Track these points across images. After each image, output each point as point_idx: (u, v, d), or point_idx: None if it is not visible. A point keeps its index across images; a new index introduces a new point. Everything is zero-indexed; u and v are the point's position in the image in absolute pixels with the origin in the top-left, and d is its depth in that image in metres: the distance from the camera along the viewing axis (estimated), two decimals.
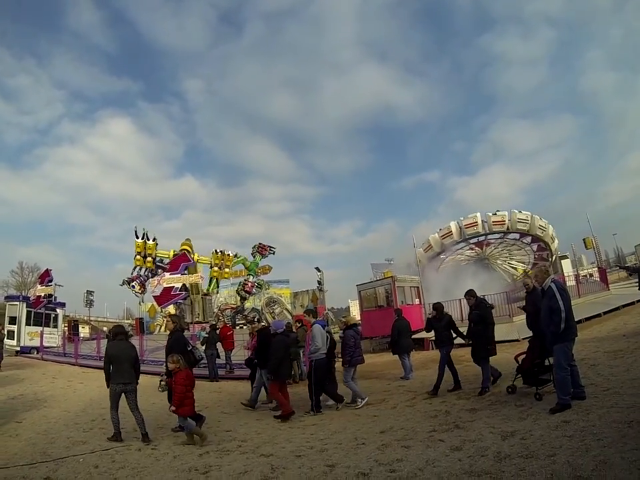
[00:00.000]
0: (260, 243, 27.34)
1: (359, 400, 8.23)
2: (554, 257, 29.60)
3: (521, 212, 28.09)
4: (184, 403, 6.18)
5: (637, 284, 10.88)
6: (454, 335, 8.93)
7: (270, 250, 27.29)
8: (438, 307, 9.15)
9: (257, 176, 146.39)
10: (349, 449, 5.28)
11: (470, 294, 8.35)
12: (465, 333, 8.65)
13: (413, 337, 13.50)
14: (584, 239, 31.51)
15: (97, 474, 4.81)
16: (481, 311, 8.00)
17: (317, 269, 27.51)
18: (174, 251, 25.00)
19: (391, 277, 20.94)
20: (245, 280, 26.47)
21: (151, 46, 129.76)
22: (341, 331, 9.17)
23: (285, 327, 9.01)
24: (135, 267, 26.93)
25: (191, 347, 7.23)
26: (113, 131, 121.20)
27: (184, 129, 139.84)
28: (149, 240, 26.78)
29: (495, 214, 28.17)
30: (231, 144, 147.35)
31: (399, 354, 11.10)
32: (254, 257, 27.14)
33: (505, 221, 28.13)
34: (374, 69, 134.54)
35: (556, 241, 28.86)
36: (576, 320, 13.30)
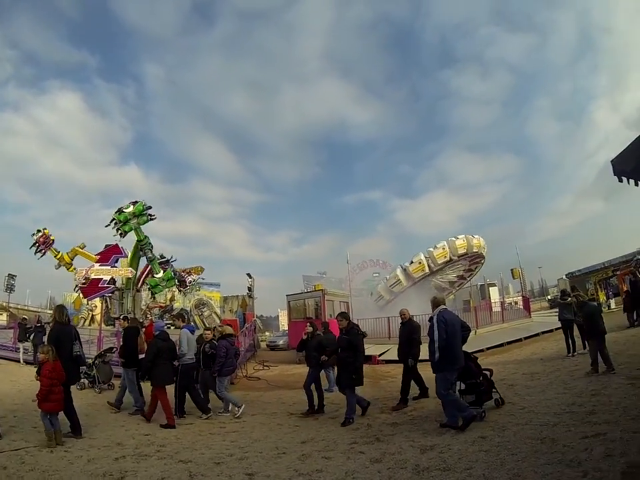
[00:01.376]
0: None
1: (236, 409, 8.22)
2: (481, 266, 30.99)
3: (457, 238, 29.23)
4: (49, 398, 5.82)
5: (557, 314, 11.51)
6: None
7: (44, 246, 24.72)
8: (312, 324, 9.34)
9: (202, 175, 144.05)
10: (270, 458, 5.24)
11: (342, 316, 7.94)
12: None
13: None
14: (512, 269, 33.19)
15: (5, 476, 4.52)
16: (350, 336, 7.44)
17: (249, 275, 27.20)
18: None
19: (321, 290, 21.13)
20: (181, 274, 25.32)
21: (118, 21, 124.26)
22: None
23: (162, 328, 8.55)
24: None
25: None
26: (62, 104, 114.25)
27: (136, 115, 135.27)
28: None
29: (436, 247, 29.11)
30: (181, 138, 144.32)
31: (324, 367, 11.13)
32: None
33: (446, 251, 29.21)
34: (335, 84, 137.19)
35: (486, 249, 30.29)
36: (499, 343, 14.03)
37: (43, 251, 23.07)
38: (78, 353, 6.51)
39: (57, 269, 24.11)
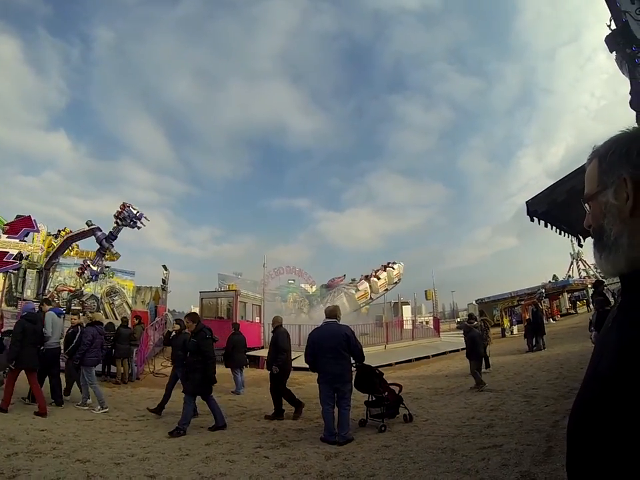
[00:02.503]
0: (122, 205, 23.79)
1: (99, 407, 7.86)
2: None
3: (393, 267, 30.95)
4: None
5: (462, 335, 12.13)
6: None
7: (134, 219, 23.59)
8: (179, 322, 9.00)
9: (133, 156, 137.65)
10: (172, 460, 5.08)
11: (190, 317, 7.63)
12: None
13: (249, 353, 13.51)
14: (426, 291, 34.46)
15: None
16: (198, 340, 7.08)
17: (164, 267, 26.22)
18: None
19: (235, 290, 20.94)
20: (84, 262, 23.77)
21: None
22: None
23: (33, 310, 8.00)
24: None
25: None
26: None
27: (76, 79, 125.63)
28: None
29: (379, 278, 30.40)
30: (119, 114, 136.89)
31: (232, 368, 11.03)
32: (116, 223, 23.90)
33: (385, 281, 30.56)
34: (284, 88, 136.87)
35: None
36: (407, 359, 14.50)
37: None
38: None
39: None
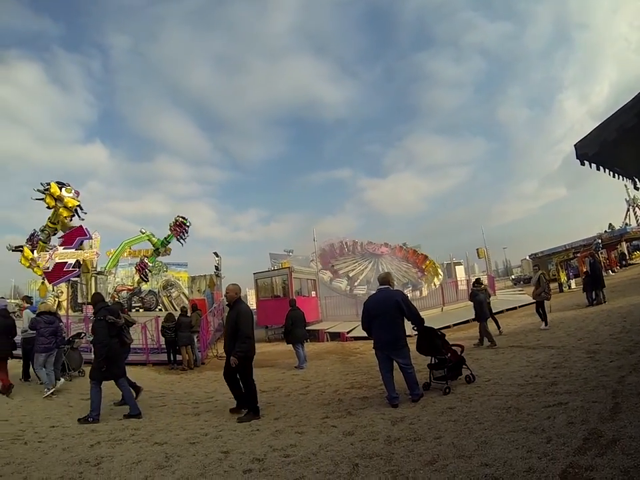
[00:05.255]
0: (178, 218, 24.87)
1: (46, 389, 8.32)
2: None
3: None
4: None
5: (519, 293, 11.95)
6: None
7: (184, 232, 24.97)
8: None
9: (171, 152, 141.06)
10: (244, 436, 5.25)
11: (95, 297, 7.44)
12: None
13: (308, 328, 13.76)
14: (477, 249, 33.74)
15: None
16: (94, 322, 6.82)
17: (215, 254, 26.93)
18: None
19: (288, 267, 21.19)
20: (141, 259, 24.92)
21: None
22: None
23: (5, 307, 9.29)
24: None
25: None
26: (20, 77, 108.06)
27: (102, 90, 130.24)
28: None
29: None
30: (150, 115, 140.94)
31: (293, 344, 11.26)
32: (170, 231, 25.04)
33: None
34: (308, 62, 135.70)
35: None
36: (465, 320, 14.38)
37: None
38: None
39: (10, 250, 23.19)
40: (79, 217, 20.91)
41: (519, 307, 18.06)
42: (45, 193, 20.61)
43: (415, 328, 6.62)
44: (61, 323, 9.50)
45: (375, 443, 4.34)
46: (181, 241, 24.13)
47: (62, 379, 8.99)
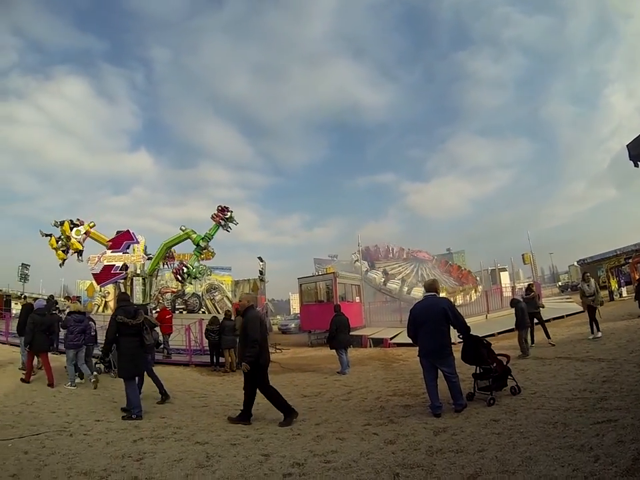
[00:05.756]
0: (220, 207, 25.32)
1: (69, 383, 8.86)
2: None
3: None
4: None
5: (567, 300, 11.59)
6: None
7: (227, 216, 25.14)
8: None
9: (213, 159, 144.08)
10: (285, 439, 5.28)
11: (119, 297, 8.13)
12: None
13: (351, 333, 13.72)
14: (523, 254, 32.75)
15: (26, 460, 4.57)
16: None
17: (260, 258, 27.30)
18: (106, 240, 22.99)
19: (333, 273, 21.22)
20: (179, 264, 25.49)
21: (123, 4, 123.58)
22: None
23: (44, 306, 9.73)
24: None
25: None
26: (69, 91, 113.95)
27: (146, 100, 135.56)
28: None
29: None
30: (192, 123, 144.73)
31: (337, 349, 11.24)
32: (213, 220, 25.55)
33: None
34: (347, 66, 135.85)
35: None
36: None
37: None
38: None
39: (42, 235, 24.37)
40: (79, 259, 22.09)
41: (567, 315, 17.33)
42: (57, 227, 22.29)
43: (461, 336, 6.49)
44: (91, 322, 10.03)
45: (416, 452, 4.28)
46: (226, 228, 24.42)
47: (95, 372, 9.48)
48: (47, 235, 23.89)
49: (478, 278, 32.36)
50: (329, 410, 6.97)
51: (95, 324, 10.38)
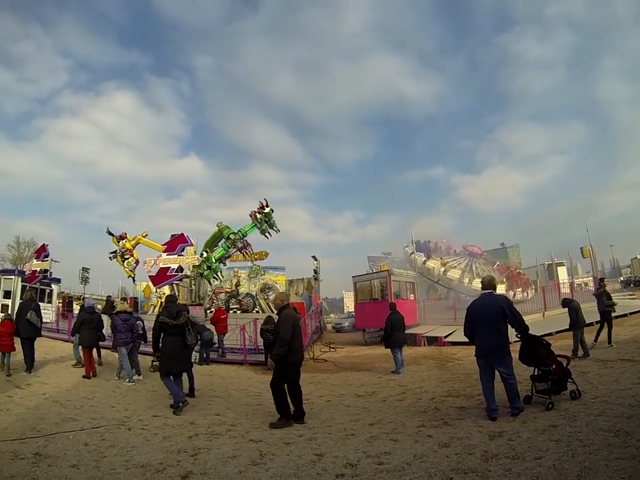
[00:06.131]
0: (260, 202, 25.26)
1: (127, 379, 9.40)
2: None
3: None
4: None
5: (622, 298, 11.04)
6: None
7: (265, 211, 25.80)
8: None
9: (263, 160, 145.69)
10: (338, 439, 5.29)
11: (166, 299, 8.76)
12: None
13: (406, 332, 13.62)
14: (581, 248, 31.16)
15: (87, 452, 4.80)
16: None
17: (314, 257, 27.48)
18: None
19: (387, 270, 21.04)
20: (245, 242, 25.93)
21: (162, 18, 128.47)
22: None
23: (93, 305, 10.71)
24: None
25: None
26: (118, 104, 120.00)
27: (193, 107, 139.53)
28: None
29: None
30: (239, 126, 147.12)
31: (392, 348, 11.19)
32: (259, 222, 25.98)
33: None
34: (389, 58, 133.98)
35: None
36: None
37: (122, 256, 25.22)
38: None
39: (110, 259, 25.87)
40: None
41: (630, 314, 16.35)
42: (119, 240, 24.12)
43: (519, 335, 6.27)
44: (139, 322, 10.65)
45: (471, 457, 4.21)
46: (265, 231, 24.82)
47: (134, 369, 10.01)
48: (111, 234, 25.41)
49: (534, 273, 31.02)
50: (382, 410, 6.96)
51: (142, 323, 11.00)
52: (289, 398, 6.44)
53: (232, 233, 24.95)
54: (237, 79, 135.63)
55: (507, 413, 5.71)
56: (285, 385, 6.45)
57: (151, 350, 7.90)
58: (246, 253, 25.16)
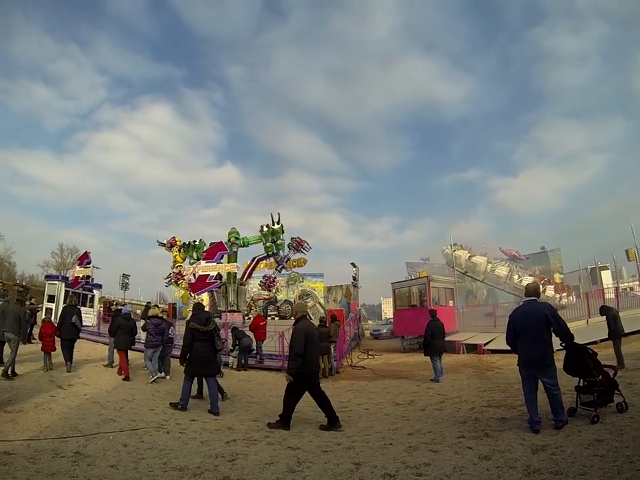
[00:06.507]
0: (296, 238, 26.42)
1: (151, 377, 9.99)
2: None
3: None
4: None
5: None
6: None
7: (304, 247, 26.21)
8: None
9: (299, 167, 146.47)
10: (376, 449, 5.22)
11: (193, 307, 8.95)
12: None
13: (445, 339, 13.42)
14: (626, 250, 29.75)
15: (126, 452, 4.90)
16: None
17: (353, 264, 27.39)
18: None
19: (426, 276, 20.79)
20: (271, 275, 26.31)
21: (194, 32, 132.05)
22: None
23: (129, 312, 11.61)
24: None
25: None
26: (154, 117, 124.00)
27: (227, 117, 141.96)
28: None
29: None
30: (274, 133, 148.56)
31: (431, 355, 11.04)
32: (289, 248, 26.63)
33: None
34: (419, 61, 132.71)
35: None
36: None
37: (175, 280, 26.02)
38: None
39: (167, 286, 27.03)
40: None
41: None
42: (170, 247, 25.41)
43: (563, 344, 5.99)
44: (172, 327, 11.28)
45: (512, 471, 4.10)
46: (272, 249, 25.62)
47: (163, 372, 10.55)
48: (161, 244, 26.38)
49: (577, 278, 29.87)
50: (421, 419, 6.87)
51: (173, 327, 11.66)
52: (319, 406, 6.68)
53: (236, 238, 25.64)
54: (269, 88, 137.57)
55: (550, 425, 5.52)
56: (309, 393, 6.67)
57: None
58: (302, 248, 25.56)
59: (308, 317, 8.53)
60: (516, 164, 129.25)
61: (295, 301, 30.38)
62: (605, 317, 10.42)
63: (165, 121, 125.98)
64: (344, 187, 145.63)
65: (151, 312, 11.08)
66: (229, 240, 25.49)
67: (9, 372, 8.93)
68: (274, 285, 25.62)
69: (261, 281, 25.83)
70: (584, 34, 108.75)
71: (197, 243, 26.12)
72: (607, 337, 10.37)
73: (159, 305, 19.65)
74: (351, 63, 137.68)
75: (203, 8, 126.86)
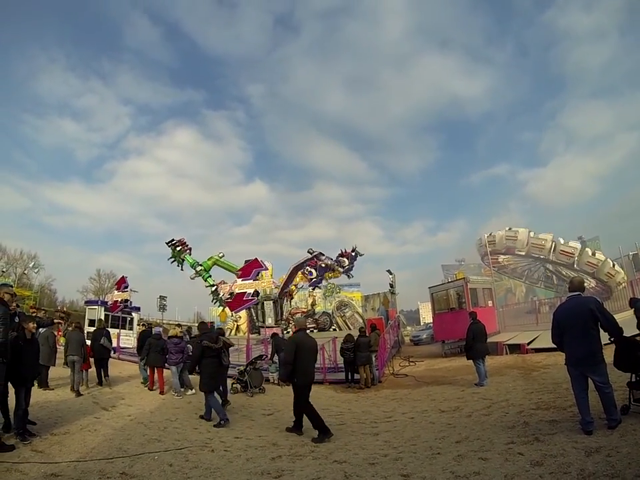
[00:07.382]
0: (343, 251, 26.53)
1: (174, 392, 10.52)
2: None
3: (594, 254, 26.74)
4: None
5: None
6: None
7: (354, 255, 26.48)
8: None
9: (327, 178, 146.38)
10: (424, 459, 5.07)
11: (200, 327, 10.57)
12: None
13: (487, 341, 13.07)
14: None
15: (171, 472, 4.91)
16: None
17: (389, 271, 27.21)
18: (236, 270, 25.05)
19: (463, 278, 20.38)
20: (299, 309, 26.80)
21: (210, 55, 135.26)
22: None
23: (160, 332, 11.86)
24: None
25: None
26: (179, 141, 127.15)
27: (251, 134, 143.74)
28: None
29: (567, 243, 26.94)
30: (299, 147, 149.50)
31: (474, 359, 10.75)
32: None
33: (573, 254, 26.87)
34: (436, 59, 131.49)
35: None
36: None
37: (183, 249, 26.60)
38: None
39: (192, 278, 27.49)
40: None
41: None
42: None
43: (612, 339, 5.70)
44: (189, 345, 11.60)
45: (566, 476, 3.92)
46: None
47: (183, 388, 10.88)
48: (195, 276, 27.32)
49: (619, 266, 28.45)
50: (468, 426, 6.64)
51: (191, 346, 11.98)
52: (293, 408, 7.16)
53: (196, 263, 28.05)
54: (290, 102, 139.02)
55: (603, 425, 5.24)
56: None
57: None
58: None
59: (317, 323, 9.00)
60: (544, 153, 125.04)
61: (332, 312, 30.33)
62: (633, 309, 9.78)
63: (190, 143, 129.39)
64: (374, 195, 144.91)
65: (171, 332, 11.53)
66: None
67: (76, 389, 10.02)
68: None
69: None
70: (597, 8, 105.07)
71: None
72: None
73: (181, 325, 19.94)
74: (367, 69, 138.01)
75: (216, 30, 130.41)
